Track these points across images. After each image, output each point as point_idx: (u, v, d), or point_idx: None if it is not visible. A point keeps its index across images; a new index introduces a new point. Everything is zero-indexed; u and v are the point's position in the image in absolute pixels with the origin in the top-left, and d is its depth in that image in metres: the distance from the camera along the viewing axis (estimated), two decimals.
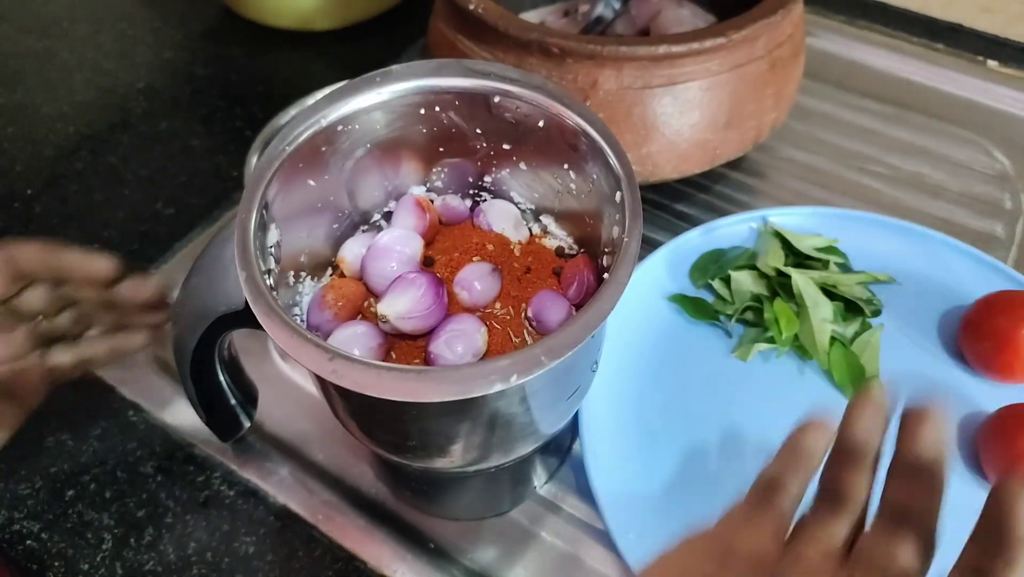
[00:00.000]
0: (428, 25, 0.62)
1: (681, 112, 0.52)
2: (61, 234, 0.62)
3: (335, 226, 0.39)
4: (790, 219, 0.57)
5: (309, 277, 0.38)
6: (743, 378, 0.50)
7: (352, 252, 0.38)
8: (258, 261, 0.30)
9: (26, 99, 0.74)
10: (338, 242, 0.39)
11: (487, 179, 0.41)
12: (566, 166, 0.37)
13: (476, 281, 0.37)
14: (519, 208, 0.41)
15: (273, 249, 0.33)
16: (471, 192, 0.42)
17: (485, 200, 0.42)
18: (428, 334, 0.35)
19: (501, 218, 0.40)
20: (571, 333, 0.29)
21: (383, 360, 0.35)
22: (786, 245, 0.55)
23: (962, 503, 0.44)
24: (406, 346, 0.36)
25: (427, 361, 0.35)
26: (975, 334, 0.49)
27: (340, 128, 0.35)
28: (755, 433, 0.47)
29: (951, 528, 0.43)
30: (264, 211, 0.32)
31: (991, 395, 0.48)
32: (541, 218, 0.41)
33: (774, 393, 0.49)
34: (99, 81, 0.76)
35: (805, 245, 0.54)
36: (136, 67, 0.78)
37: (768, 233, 0.56)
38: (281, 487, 0.47)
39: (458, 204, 0.41)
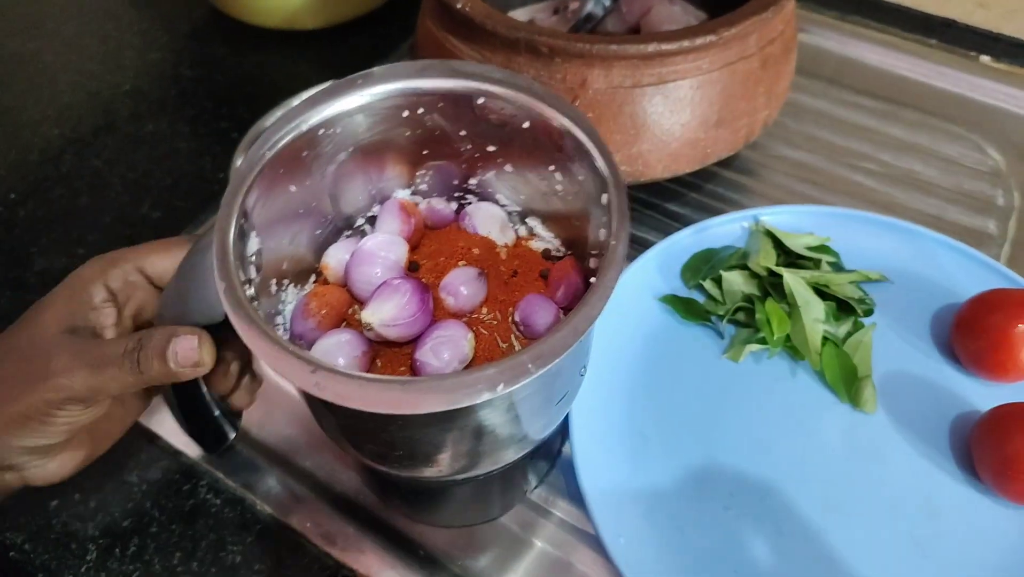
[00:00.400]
0: (416, 24, 0.61)
1: (672, 111, 0.52)
2: (46, 239, 0.61)
3: (318, 232, 0.38)
4: (782, 218, 0.56)
5: (292, 284, 0.37)
6: (735, 379, 0.50)
7: (336, 258, 0.38)
8: (238, 271, 0.30)
9: (10, 102, 0.74)
10: (321, 248, 0.39)
11: (472, 181, 0.40)
12: (552, 167, 0.37)
13: (462, 286, 0.36)
14: (505, 210, 0.41)
15: (254, 258, 0.32)
16: (456, 195, 0.41)
17: (470, 203, 0.41)
18: (414, 341, 0.35)
19: (487, 221, 0.39)
20: (558, 339, 0.28)
21: (368, 369, 0.35)
22: (777, 244, 0.54)
23: (955, 504, 0.44)
24: (392, 354, 0.35)
25: (413, 369, 0.34)
26: (968, 333, 0.49)
27: (321, 132, 0.34)
28: (747, 435, 0.47)
29: (945, 529, 0.43)
30: (243, 220, 0.31)
31: (984, 394, 0.48)
32: (527, 220, 0.41)
33: (766, 394, 0.49)
34: (84, 83, 0.76)
35: (797, 244, 0.54)
36: (121, 69, 0.77)
37: (759, 232, 0.55)
38: (268, 495, 0.47)
39: (443, 207, 0.40)
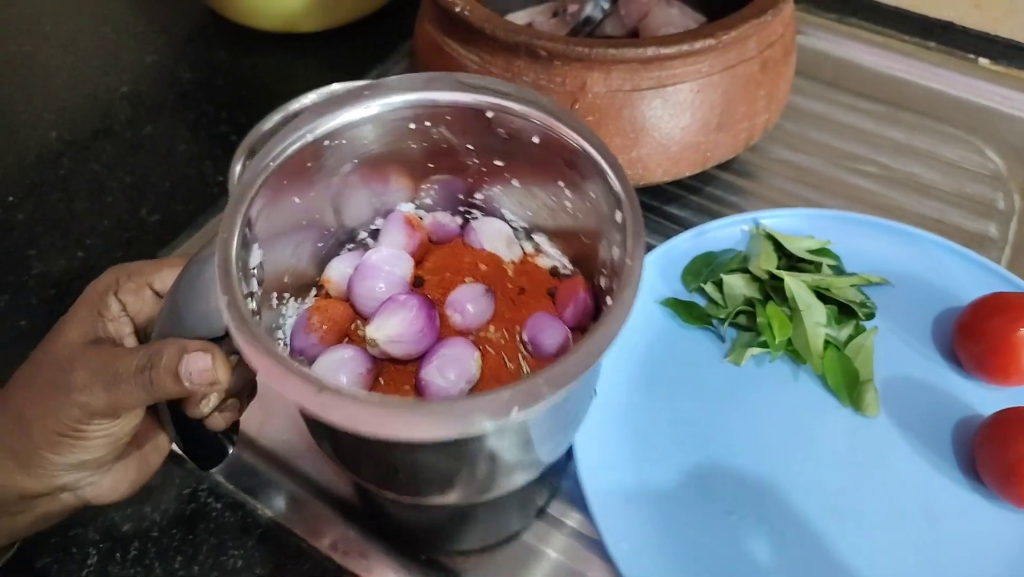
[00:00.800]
0: (414, 27, 0.61)
1: (671, 114, 0.52)
2: (43, 242, 0.61)
3: (319, 245, 0.38)
4: (782, 221, 0.56)
5: (293, 298, 0.36)
6: (736, 383, 0.50)
7: (338, 272, 0.37)
8: (240, 284, 0.29)
9: (6, 105, 0.73)
10: (323, 261, 0.38)
11: (478, 196, 0.40)
12: (561, 183, 0.36)
13: (469, 303, 0.35)
14: (511, 226, 0.40)
15: (256, 270, 0.32)
16: (461, 209, 0.41)
17: (476, 217, 0.41)
18: (419, 359, 0.34)
19: (493, 236, 0.39)
20: (576, 361, 0.27)
21: (371, 387, 0.34)
22: (778, 248, 0.54)
23: (958, 508, 0.44)
24: (395, 371, 0.34)
25: (417, 388, 0.33)
26: (969, 336, 0.49)
27: (327, 143, 0.34)
28: (749, 439, 0.47)
29: (948, 534, 0.43)
30: (247, 230, 0.30)
31: (986, 398, 0.48)
32: (534, 236, 0.40)
33: (768, 398, 0.49)
34: (81, 86, 0.75)
35: (797, 247, 0.54)
36: (119, 71, 0.77)
37: (760, 235, 0.55)
38: (269, 499, 0.47)
39: (448, 221, 0.40)
